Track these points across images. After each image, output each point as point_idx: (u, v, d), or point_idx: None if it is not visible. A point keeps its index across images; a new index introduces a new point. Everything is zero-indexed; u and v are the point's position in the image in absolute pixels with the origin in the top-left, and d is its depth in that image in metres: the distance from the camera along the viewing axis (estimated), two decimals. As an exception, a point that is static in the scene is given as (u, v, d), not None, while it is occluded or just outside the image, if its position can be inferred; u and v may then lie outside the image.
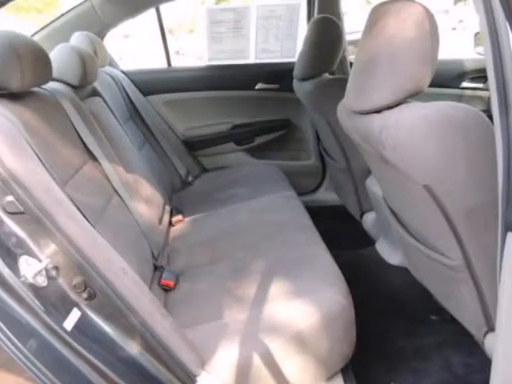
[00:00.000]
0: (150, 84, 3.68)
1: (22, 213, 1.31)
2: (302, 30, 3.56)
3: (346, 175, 2.77)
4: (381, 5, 1.47)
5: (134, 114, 3.43)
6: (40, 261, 1.31)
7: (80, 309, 1.39)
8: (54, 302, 1.35)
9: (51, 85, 2.15)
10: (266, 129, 3.76)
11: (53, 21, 3.17)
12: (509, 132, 1.11)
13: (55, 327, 1.33)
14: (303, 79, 2.86)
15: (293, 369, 1.65)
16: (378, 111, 1.49)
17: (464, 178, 1.30)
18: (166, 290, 2.11)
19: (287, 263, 2.05)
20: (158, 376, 1.48)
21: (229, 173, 3.56)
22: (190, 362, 1.54)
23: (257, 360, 1.59)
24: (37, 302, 1.31)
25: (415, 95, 1.43)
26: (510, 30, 1.08)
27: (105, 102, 2.81)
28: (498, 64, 1.11)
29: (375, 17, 1.47)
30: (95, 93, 2.77)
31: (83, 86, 2.46)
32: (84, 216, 1.59)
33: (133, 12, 3.35)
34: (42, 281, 1.31)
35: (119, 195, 2.25)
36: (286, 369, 1.63)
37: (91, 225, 1.58)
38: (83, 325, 1.39)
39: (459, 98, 3.42)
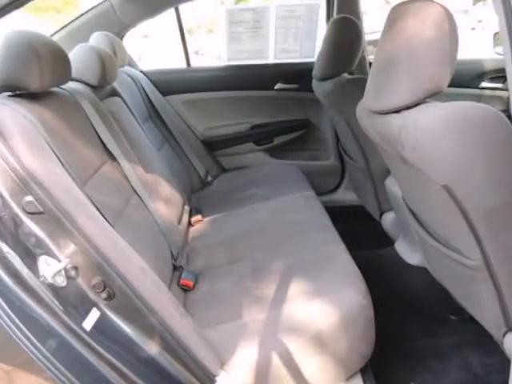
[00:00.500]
0: (169, 84, 3.68)
1: (41, 213, 1.31)
2: (321, 29, 3.54)
3: (365, 175, 2.75)
4: (400, 5, 1.46)
5: (153, 114, 3.43)
6: (59, 261, 1.32)
7: (99, 309, 1.39)
8: (73, 302, 1.35)
9: (70, 85, 2.15)
10: (285, 129, 3.75)
11: (72, 21, 3.18)
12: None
13: (74, 327, 1.33)
14: (322, 79, 2.85)
15: (312, 369, 1.64)
16: (398, 111, 1.48)
17: (483, 178, 1.28)
18: (185, 290, 2.10)
19: (306, 263, 2.04)
20: (177, 376, 1.48)
21: (248, 173, 3.55)
22: (209, 361, 1.53)
23: (276, 360, 1.58)
24: (56, 302, 1.31)
25: (434, 95, 1.42)
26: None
27: (124, 102, 2.81)
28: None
29: (394, 17, 1.46)
30: (114, 93, 2.77)
31: (102, 86, 2.46)
32: (103, 216, 1.59)
33: (152, 12, 3.35)
34: (61, 281, 1.31)
35: (138, 195, 2.25)
36: (305, 369, 1.62)
37: (110, 225, 1.58)
38: (102, 325, 1.39)
39: (478, 98, 3.38)
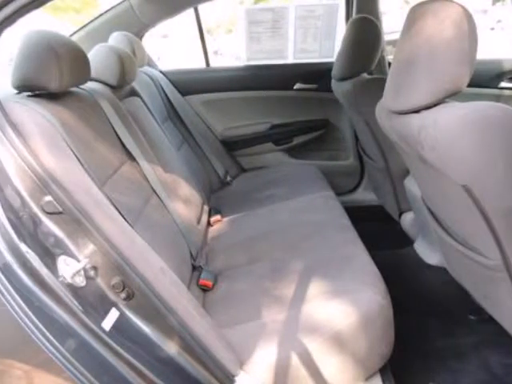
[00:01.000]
0: (188, 84, 3.69)
1: (61, 213, 1.31)
2: (341, 29, 3.54)
3: (384, 175, 2.75)
4: (419, 5, 1.46)
5: (173, 114, 3.44)
6: (78, 261, 1.32)
7: (118, 309, 1.39)
8: (93, 302, 1.35)
9: (89, 85, 2.16)
10: (304, 129, 3.75)
11: (91, 21, 3.19)
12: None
13: (93, 327, 1.33)
14: (342, 79, 2.84)
15: (331, 369, 1.63)
16: (417, 111, 1.48)
17: (502, 178, 1.27)
18: (205, 290, 2.11)
19: (326, 263, 2.04)
20: (196, 376, 1.48)
21: (267, 173, 3.55)
22: (228, 361, 1.53)
23: (295, 360, 1.58)
24: (75, 302, 1.31)
25: (453, 95, 1.42)
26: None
27: (143, 101, 2.82)
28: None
29: (413, 17, 1.46)
30: (133, 93, 2.78)
31: (122, 86, 2.47)
32: (122, 216, 1.59)
33: (171, 12, 3.35)
34: (80, 281, 1.31)
35: (157, 195, 2.25)
36: (324, 369, 1.62)
37: (129, 225, 1.59)
38: (121, 325, 1.39)
39: (497, 98, 3.35)
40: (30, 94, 1.71)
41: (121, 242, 1.39)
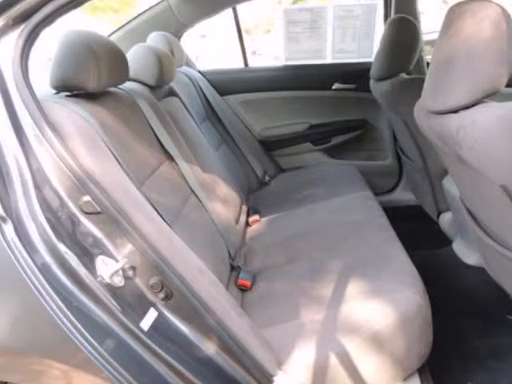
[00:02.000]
0: (226, 84, 3.70)
1: (99, 213, 1.32)
2: (379, 29, 3.54)
3: (422, 175, 2.75)
4: (458, 5, 1.46)
5: (211, 114, 3.44)
6: (117, 261, 1.32)
7: (157, 309, 1.39)
8: (131, 302, 1.35)
9: (128, 85, 2.17)
10: (342, 129, 3.74)
11: (129, 21, 3.22)
12: None
13: (132, 327, 1.34)
14: (380, 79, 2.84)
15: (369, 369, 1.62)
16: (455, 111, 1.47)
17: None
18: (243, 290, 2.11)
19: (364, 263, 2.03)
20: (234, 375, 1.48)
21: (305, 173, 3.54)
22: (266, 361, 1.53)
23: (333, 360, 1.57)
24: (113, 302, 1.31)
25: (492, 95, 1.41)
26: None
27: (181, 101, 2.83)
28: None
29: (452, 17, 1.46)
30: (172, 93, 2.79)
31: (160, 86, 2.48)
32: (161, 216, 1.59)
33: (209, 12, 3.36)
34: (118, 281, 1.32)
35: (196, 195, 2.26)
36: (362, 369, 1.61)
37: (168, 225, 1.59)
38: (160, 325, 1.39)
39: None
40: (68, 94, 1.73)
41: (159, 242, 1.39)
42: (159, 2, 3.19)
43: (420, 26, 3.24)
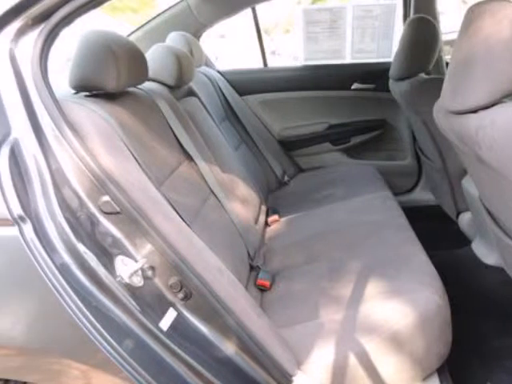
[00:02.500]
0: (246, 84, 3.71)
1: (118, 213, 1.32)
2: (398, 29, 3.53)
3: (442, 175, 2.74)
4: (477, 5, 1.44)
5: (230, 114, 3.45)
6: (136, 261, 1.32)
7: (176, 309, 1.39)
8: (150, 302, 1.35)
9: (147, 85, 2.18)
10: (361, 129, 3.73)
11: (149, 21, 3.24)
12: None
13: (151, 327, 1.34)
14: (399, 79, 2.83)
15: (389, 369, 1.62)
16: (474, 111, 1.46)
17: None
18: (262, 290, 2.11)
19: (383, 263, 2.02)
20: (253, 375, 1.48)
21: (325, 173, 3.54)
22: (285, 361, 1.53)
23: (353, 360, 1.57)
24: (133, 302, 1.31)
25: (511, 95, 1.39)
26: None
27: (201, 102, 2.84)
28: None
29: (471, 17, 1.45)
30: (191, 93, 2.80)
31: (179, 86, 2.49)
32: (180, 216, 1.59)
33: (229, 12, 3.37)
34: (137, 281, 1.32)
35: (215, 195, 2.26)
36: (382, 369, 1.60)
37: (187, 225, 1.59)
38: (179, 325, 1.39)
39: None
40: (87, 94, 1.74)
41: (178, 242, 1.39)
42: (178, 2, 3.20)
43: (439, 26, 3.23)
